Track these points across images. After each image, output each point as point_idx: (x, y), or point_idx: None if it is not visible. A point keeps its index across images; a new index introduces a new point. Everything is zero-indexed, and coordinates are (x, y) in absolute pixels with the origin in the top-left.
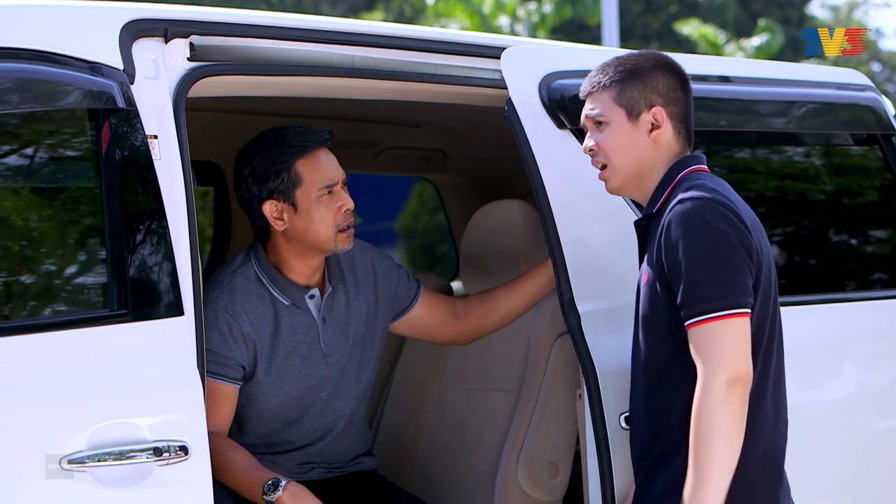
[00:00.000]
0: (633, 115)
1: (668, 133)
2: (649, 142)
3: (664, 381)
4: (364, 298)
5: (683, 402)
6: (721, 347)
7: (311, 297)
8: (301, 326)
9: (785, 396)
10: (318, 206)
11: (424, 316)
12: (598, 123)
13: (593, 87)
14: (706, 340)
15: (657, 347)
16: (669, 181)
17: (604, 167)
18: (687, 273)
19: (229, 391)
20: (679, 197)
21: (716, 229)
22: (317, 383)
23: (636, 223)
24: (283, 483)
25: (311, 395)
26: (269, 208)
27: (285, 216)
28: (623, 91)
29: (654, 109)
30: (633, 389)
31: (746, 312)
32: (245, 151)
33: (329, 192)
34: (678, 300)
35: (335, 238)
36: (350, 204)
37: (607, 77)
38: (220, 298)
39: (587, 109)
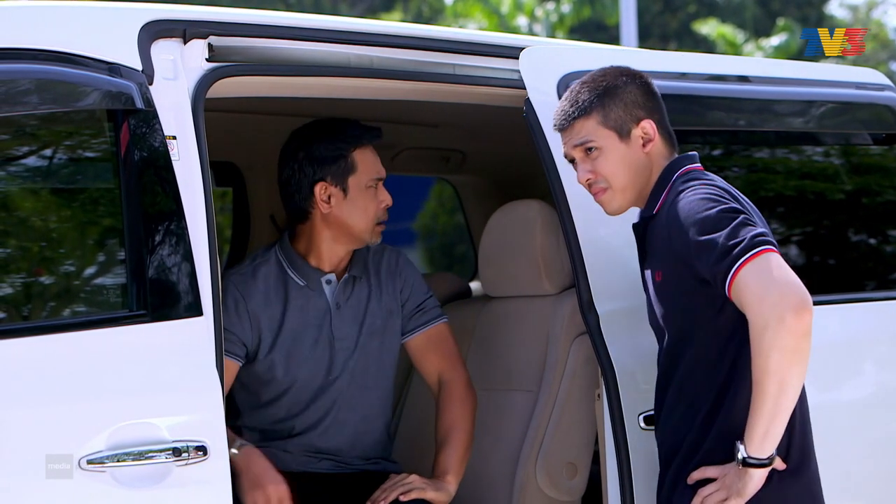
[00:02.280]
0: (623, 134)
1: (658, 142)
2: (643, 156)
3: (690, 382)
4: (386, 294)
5: (708, 407)
6: (756, 287)
7: (328, 282)
8: (312, 308)
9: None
10: (365, 195)
11: (415, 353)
12: (589, 150)
13: (573, 117)
14: (742, 291)
15: (680, 348)
16: (666, 182)
17: (603, 189)
18: (703, 244)
19: (228, 365)
20: (677, 191)
21: (716, 200)
22: (324, 366)
23: (634, 226)
24: (239, 442)
25: (318, 377)
26: (320, 190)
27: (333, 200)
28: (608, 113)
29: (642, 123)
30: (657, 395)
31: (769, 248)
32: (301, 135)
33: (376, 186)
34: (711, 274)
35: (372, 230)
36: (390, 201)
37: (584, 103)
38: (233, 276)
39: (575, 139)
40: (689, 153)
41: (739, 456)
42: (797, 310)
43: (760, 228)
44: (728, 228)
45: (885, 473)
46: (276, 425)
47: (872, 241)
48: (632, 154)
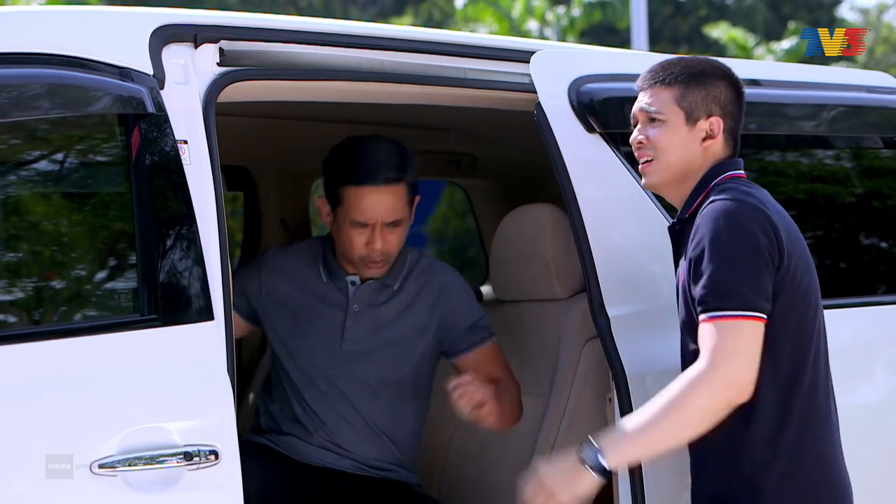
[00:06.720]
0: (691, 119)
1: (718, 143)
2: (700, 149)
3: None
4: (422, 312)
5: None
6: (729, 346)
7: (353, 283)
8: (331, 303)
9: (834, 400)
10: (349, 229)
11: (467, 369)
12: (653, 119)
13: (655, 81)
14: (717, 336)
15: (688, 352)
16: (704, 186)
17: (648, 161)
18: (711, 269)
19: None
20: (712, 198)
21: (746, 230)
22: (327, 360)
23: (670, 228)
24: None
25: (320, 368)
26: (321, 203)
27: (329, 217)
28: (686, 93)
29: (712, 119)
30: None
31: (762, 317)
32: (340, 146)
33: (362, 227)
34: (697, 295)
35: (360, 263)
36: (379, 244)
37: (671, 75)
38: (272, 248)
39: (644, 103)
40: (734, 159)
41: (589, 456)
42: (739, 386)
43: (768, 289)
44: (743, 274)
45: None
46: (287, 417)
47: (884, 244)
48: (690, 141)
